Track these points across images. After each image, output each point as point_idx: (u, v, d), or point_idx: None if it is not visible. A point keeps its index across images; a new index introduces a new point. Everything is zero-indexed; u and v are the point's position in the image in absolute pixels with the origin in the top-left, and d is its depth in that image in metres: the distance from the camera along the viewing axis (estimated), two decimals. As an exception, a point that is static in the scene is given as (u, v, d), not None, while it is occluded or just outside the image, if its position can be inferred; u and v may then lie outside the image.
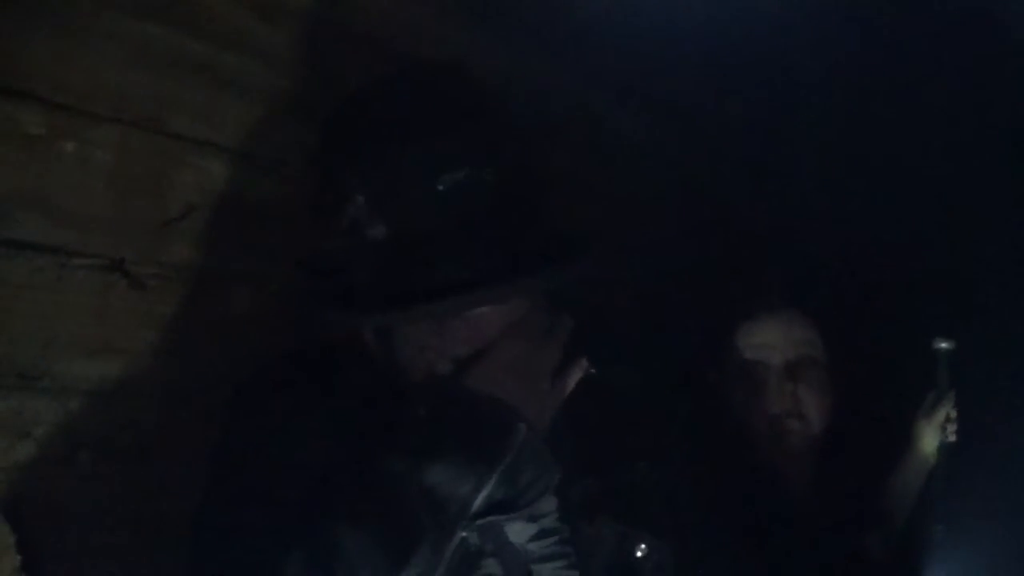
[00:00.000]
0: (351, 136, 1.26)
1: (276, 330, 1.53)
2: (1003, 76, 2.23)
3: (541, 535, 1.39)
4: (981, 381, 1.98)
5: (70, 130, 1.32)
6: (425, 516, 1.13)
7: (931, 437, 1.90)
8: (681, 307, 2.17)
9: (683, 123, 2.29)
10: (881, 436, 2.05)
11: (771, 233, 2.42)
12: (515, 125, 1.31)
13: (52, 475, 1.33)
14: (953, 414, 1.89)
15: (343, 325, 1.30)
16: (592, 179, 2.10)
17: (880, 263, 2.53)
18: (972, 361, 1.92)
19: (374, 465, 1.15)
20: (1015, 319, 2.25)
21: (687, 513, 1.49)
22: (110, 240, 1.37)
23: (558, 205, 1.39)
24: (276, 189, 1.55)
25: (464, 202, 1.18)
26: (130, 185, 1.38)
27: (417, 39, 1.76)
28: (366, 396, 1.28)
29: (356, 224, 1.21)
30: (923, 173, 2.49)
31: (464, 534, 1.18)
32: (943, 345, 1.89)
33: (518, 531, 1.38)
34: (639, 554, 1.41)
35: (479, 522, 1.20)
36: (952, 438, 1.89)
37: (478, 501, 1.16)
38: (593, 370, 1.53)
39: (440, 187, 1.18)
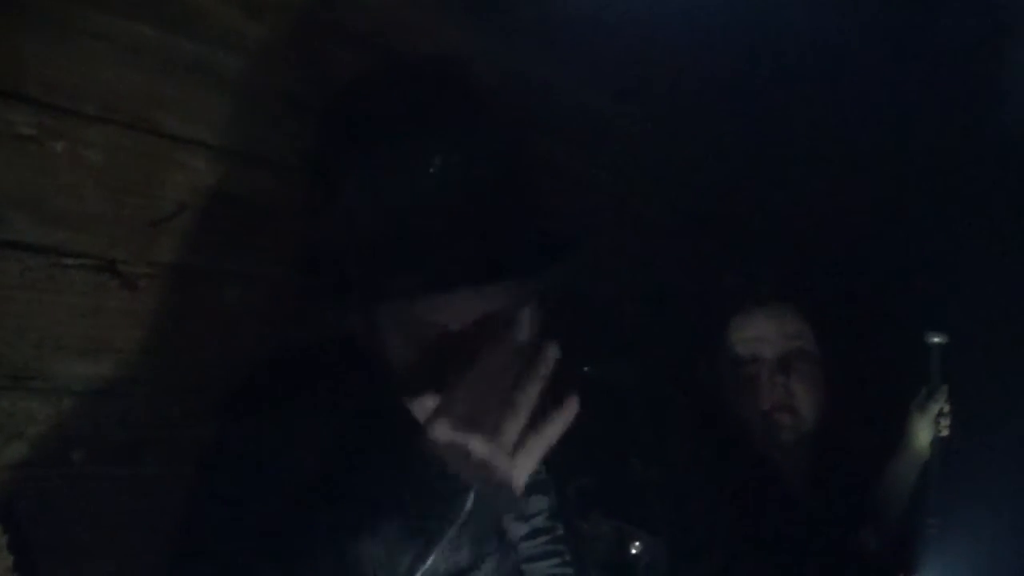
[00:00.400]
0: (342, 129, 1.26)
1: (267, 329, 1.54)
2: (999, 69, 2.24)
3: (532, 534, 1.39)
4: (974, 375, 1.98)
5: (61, 130, 1.32)
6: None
7: (924, 431, 1.90)
8: (675, 302, 2.17)
9: (678, 119, 2.29)
10: (874, 431, 2.05)
11: (764, 227, 2.42)
12: (508, 119, 1.31)
13: (44, 475, 1.33)
14: (946, 408, 1.89)
15: (333, 319, 1.32)
16: (589, 175, 2.10)
17: (873, 257, 2.54)
18: (965, 355, 1.92)
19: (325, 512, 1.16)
20: (1008, 313, 2.25)
21: (682, 509, 1.48)
22: (101, 240, 1.37)
23: (553, 200, 1.40)
24: (267, 188, 1.55)
25: (453, 194, 1.19)
26: (121, 185, 1.38)
27: (411, 36, 1.76)
28: (345, 418, 1.29)
29: (346, 216, 1.21)
30: (917, 167, 2.49)
31: None
32: (935, 339, 1.89)
33: (509, 530, 1.38)
34: (634, 551, 1.41)
35: None
36: (945, 432, 1.89)
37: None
38: (587, 368, 1.54)
39: (428, 179, 1.19)
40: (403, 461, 1.22)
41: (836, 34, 2.17)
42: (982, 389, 2.04)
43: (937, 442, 1.89)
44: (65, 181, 1.33)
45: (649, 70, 2.15)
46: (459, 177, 1.20)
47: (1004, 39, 2.13)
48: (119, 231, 1.38)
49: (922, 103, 2.34)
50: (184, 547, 1.19)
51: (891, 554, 1.92)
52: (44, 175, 1.31)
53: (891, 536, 1.95)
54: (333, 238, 1.23)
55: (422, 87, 1.28)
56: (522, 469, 1.15)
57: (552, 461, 1.41)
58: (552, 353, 1.18)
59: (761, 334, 1.97)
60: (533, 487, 1.41)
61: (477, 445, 1.11)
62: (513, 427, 1.13)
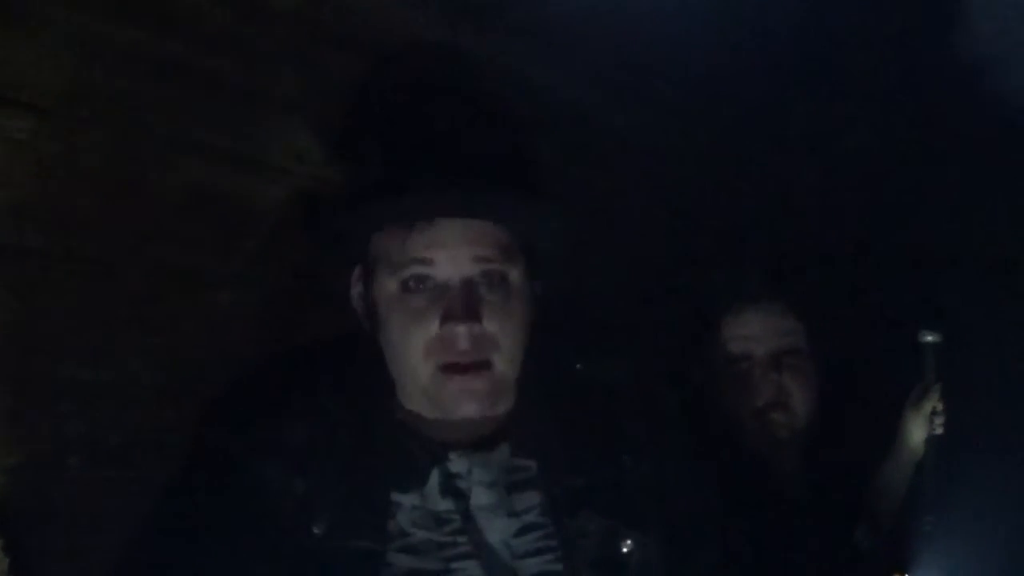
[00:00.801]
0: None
1: (263, 332, 1.54)
2: (996, 68, 2.24)
3: (523, 531, 1.40)
4: (969, 374, 1.99)
5: (56, 133, 1.31)
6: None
7: (918, 430, 1.90)
8: (666, 301, 2.18)
9: (670, 117, 2.29)
10: (868, 429, 2.06)
11: (756, 225, 2.43)
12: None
13: (41, 478, 1.34)
14: (940, 407, 1.89)
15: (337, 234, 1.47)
16: (579, 173, 2.10)
17: (866, 256, 2.54)
18: (959, 354, 1.92)
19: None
20: (1002, 310, 2.26)
21: (674, 507, 1.49)
22: (96, 243, 1.37)
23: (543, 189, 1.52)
24: (261, 191, 1.55)
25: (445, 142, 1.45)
26: (115, 187, 1.38)
27: (402, 38, 1.76)
28: (331, 421, 1.40)
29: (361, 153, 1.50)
30: (909, 165, 2.49)
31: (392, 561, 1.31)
32: (929, 338, 1.90)
33: (500, 528, 1.39)
34: (625, 549, 1.41)
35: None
36: (939, 431, 1.89)
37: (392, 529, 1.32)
38: (579, 366, 1.55)
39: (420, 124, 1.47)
40: (378, 430, 1.40)
41: (829, 30, 2.17)
42: (977, 388, 2.05)
43: (931, 440, 1.89)
44: (59, 184, 1.33)
45: (641, 68, 2.14)
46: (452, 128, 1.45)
47: (1003, 38, 2.14)
48: (112, 235, 1.39)
49: (920, 101, 2.34)
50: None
51: (885, 552, 1.93)
52: (37, 177, 1.30)
53: (885, 534, 1.95)
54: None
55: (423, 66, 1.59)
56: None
57: (543, 458, 1.42)
58: None
59: (752, 332, 1.97)
60: (524, 483, 1.42)
61: None
62: None
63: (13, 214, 1.29)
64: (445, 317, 1.36)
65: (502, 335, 1.39)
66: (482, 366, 1.38)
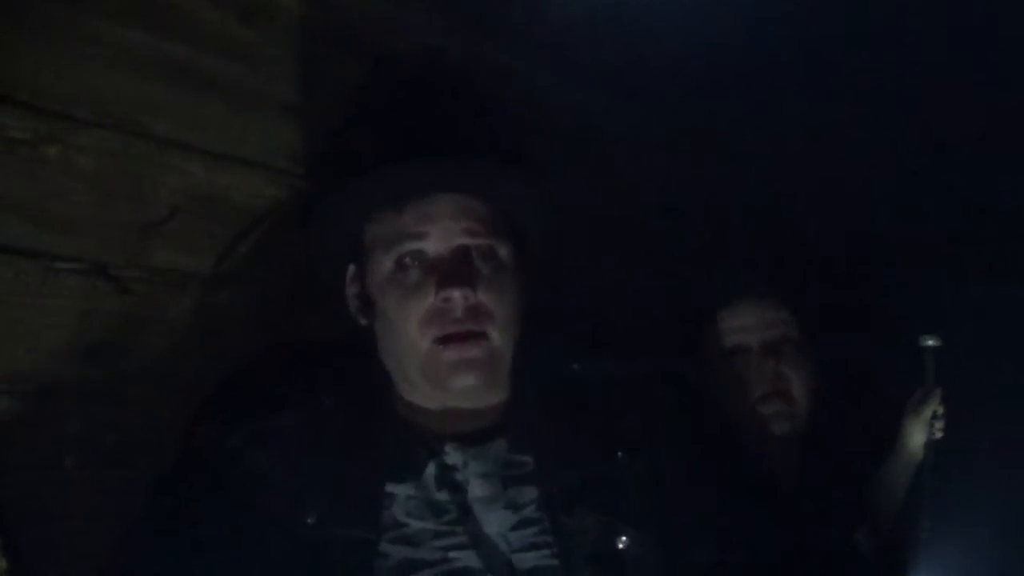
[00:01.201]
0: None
1: (259, 333, 1.54)
2: (997, 68, 2.24)
3: (521, 524, 1.40)
4: (969, 378, 1.98)
5: (53, 134, 1.32)
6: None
7: (918, 434, 1.90)
8: (661, 298, 2.18)
9: (667, 116, 2.29)
10: (868, 433, 2.05)
11: (755, 226, 2.43)
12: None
13: (38, 478, 1.33)
14: (940, 411, 1.88)
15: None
16: (576, 171, 2.10)
17: (866, 260, 2.54)
18: (960, 358, 1.92)
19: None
20: (1002, 315, 2.26)
21: (670, 504, 1.49)
22: (93, 244, 1.37)
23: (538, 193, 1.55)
24: (259, 192, 1.56)
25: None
26: (113, 189, 1.39)
27: (402, 39, 1.76)
28: (321, 418, 1.41)
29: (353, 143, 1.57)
30: (909, 168, 2.49)
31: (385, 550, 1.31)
32: (930, 342, 1.89)
33: (497, 521, 1.39)
34: (621, 545, 1.41)
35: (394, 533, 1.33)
36: (939, 435, 1.88)
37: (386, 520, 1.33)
38: (575, 365, 1.56)
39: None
40: (374, 422, 1.42)
41: (828, 27, 2.17)
42: (977, 392, 2.04)
43: (930, 444, 1.89)
44: (57, 185, 1.33)
45: (638, 69, 2.15)
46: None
47: (1003, 39, 2.13)
48: (111, 235, 1.39)
49: (919, 100, 2.34)
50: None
51: (883, 556, 1.93)
52: (37, 179, 1.31)
53: (884, 538, 1.95)
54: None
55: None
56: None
57: (540, 454, 1.42)
58: None
59: (744, 323, 1.98)
60: (521, 478, 1.42)
61: None
62: None
63: (11, 214, 1.29)
64: (440, 284, 1.38)
65: (496, 306, 1.41)
66: (478, 336, 1.40)
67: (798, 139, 2.38)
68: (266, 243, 1.55)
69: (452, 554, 1.35)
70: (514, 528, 1.40)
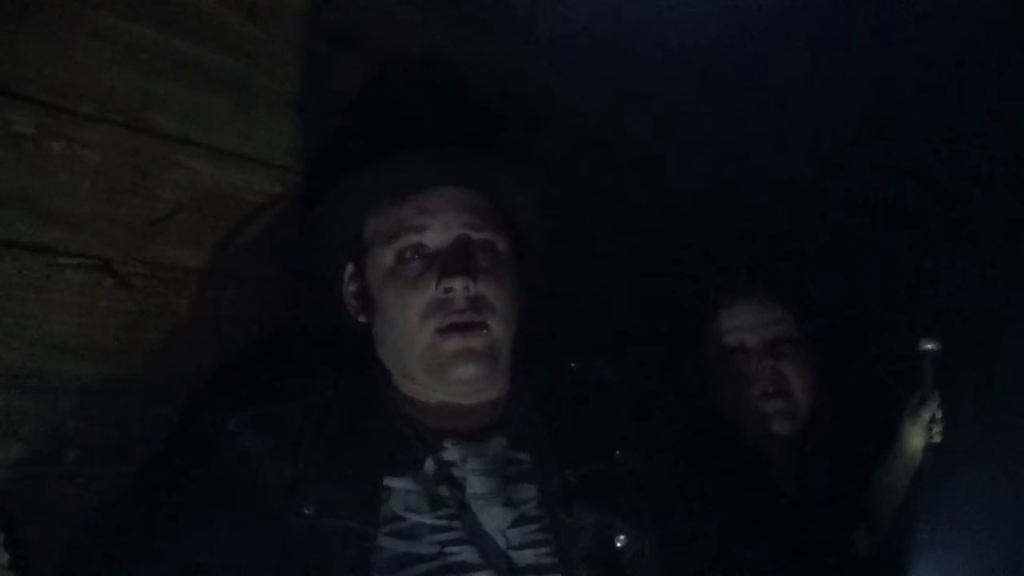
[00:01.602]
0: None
1: (262, 330, 1.54)
2: (996, 72, 2.24)
3: (520, 522, 1.40)
4: (967, 382, 1.98)
5: (58, 130, 1.33)
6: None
7: (916, 437, 1.90)
8: (661, 299, 2.18)
9: (667, 119, 2.30)
10: (866, 436, 2.06)
11: (755, 229, 2.43)
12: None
13: (39, 473, 1.33)
14: (938, 415, 1.89)
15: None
16: (575, 170, 2.11)
17: (865, 264, 2.54)
18: (958, 362, 1.92)
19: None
20: (1001, 318, 2.26)
21: (668, 503, 1.49)
22: (97, 239, 1.37)
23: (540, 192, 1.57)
24: (263, 188, 1.56)
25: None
26: (117, 184, 1.39)
27: (403, 37, 1.76)
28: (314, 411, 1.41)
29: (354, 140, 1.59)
30: (909, 170, 2.49)
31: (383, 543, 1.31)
32: (928, 346, 1.90)
33: (495, 517, 1.39)
34: (619, 544, 1.42)
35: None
36: (937, 439, 1.89)
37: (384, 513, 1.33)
38: (573, 364, 1.57)
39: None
40: (373, 416, 1.42)
41: (825, 32, 2.17)
42: (975, 396, 2.04)
43: (929, 448, 1.89)
44: (62, 181, 1.34)
45: (640, 71, 2.15)
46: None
47: (1004, 41, 2.14)
48: (115, 231, 1.39)
49: (920, 104, 2.34)
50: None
51: (882, 559, 1.93)
52: (41, 174, 1.32)
53: (881, 540, 1.96)
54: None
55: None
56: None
57: (538, 452, 1.43)
58: None
59: (744, 323, 1.99)
60: (520, 476, 1.42)
61: None
62: None
63: (16, 209, 1.29)
64: (442, 275, 1.40)
65: (496, 298, 1.43)
66: (480, 326, 1.41)
67: (797, 139, 2.38)
68: (269, 240, 1.56)
69: (449, 548, 1.35)
70: (513, 525, 1.40)
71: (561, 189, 1.98)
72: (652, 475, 1.50)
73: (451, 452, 1.42)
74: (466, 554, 1.35)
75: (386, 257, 1.44)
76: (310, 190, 1.58)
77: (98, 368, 1.38)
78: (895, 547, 1.91)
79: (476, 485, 1.40)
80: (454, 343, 1.40)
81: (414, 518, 1.36)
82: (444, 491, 1.38)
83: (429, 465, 1.40)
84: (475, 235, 1.45)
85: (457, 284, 1.39)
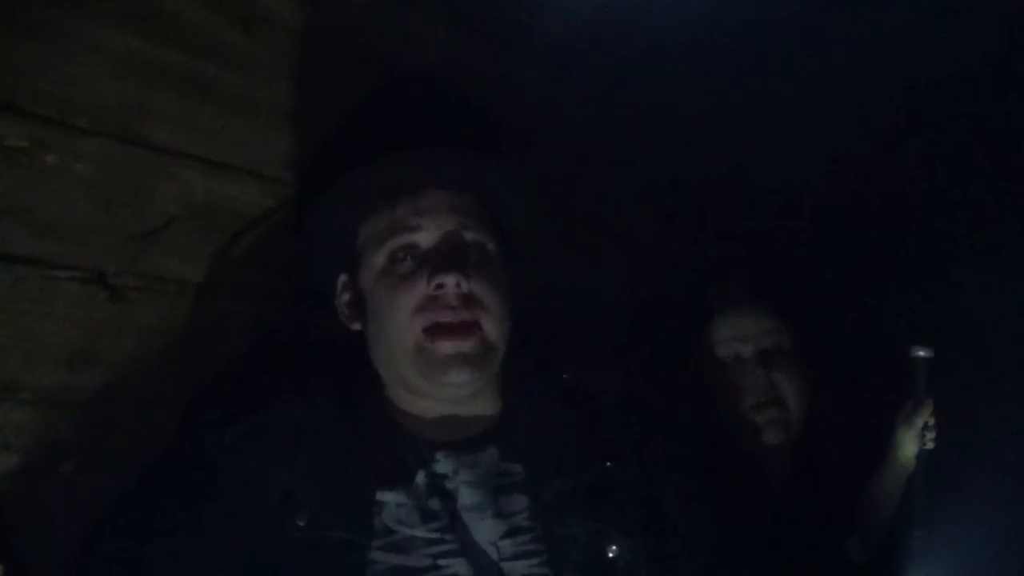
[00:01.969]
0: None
1: (256, 340, 1.55)
2: (994, 81, 2.24)
3: (512, 533, 1.40)
4: (960, 389, 1.99)
5: (52, 142, 1.33)
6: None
7: (910, 444, 1.91)
8: (656, 311, 2.19)
9: (663, 129, 2.30)
10: (860, 443, 2.06)
11: (749, 238, 2.44)
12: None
13: (35, 484, 1.34)
14: (931, 421, 1.90)
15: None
16: (570, 179, 2.11)
17: (858, 270, 2.55)
18: (951, 368, 1.93)
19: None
20: (994, 326, 2.26)
21: (660, 513, 1.49)
22: (91, 251, 1.38)
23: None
24: (256, 199, 1.57)
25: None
26: (111, 196, 1.39)
27: (401, 48, 1.77)
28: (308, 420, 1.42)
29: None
30: (902, 179, 2.50)
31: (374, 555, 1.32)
32: (921, 353, 1.90)
33: (487, 529, 1.39)
34: (611, 554, 1.42)
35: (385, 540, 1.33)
36: (930, 445, 1.89)
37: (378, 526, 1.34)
38: (566, 374, 1.57)
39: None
40: (366, 428, 1.42)
41: (824, 38, 2.17)
42: (969, 403, 2.05)
43: (922, 455, 1.90)
44: (56, 193, 1.34)
45: (637, 82, 2.16)
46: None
47: (1005, 45, 2.14)
48: (109, 242, 1.40)
49: (915, 112, 2.35)
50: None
51: (875, 566, 1.94)
52: (35, 187, 1.32)
53: (875, 548, 1.96)
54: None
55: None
56: None
57: (530, 463, 1.43)
58: None
59: (738, 333, 2.00)
60: (512, 487, 1.43)
61: None
62: None
63: (10, 221, 1.30)
64: (433, 272, 1.40)
65: (488, 298, 1.43)
66: (472, 327, 1.41)
67: (792, 144, 2.39)
68: (263, 251, 1.56)
69: (442, 561, 1.36)
70: (504, 536, 1.40)
71: (556, 195, 1.99)
72: (645, 485, 1.50)
73: (443, 464, 1.43)
74: (458, 566, 1.36)
75: (379, 258, 1.45)
76: (303, 198, 1.58)
77: (92, 379, 1.39)
78: (889, 554, 1.91)
79: (468, 497, 1.41)
80: (446, 347, 1.40)
81: (406, 531, 1.36)
82: (436, 504, 1.39)
83: (421, 478, 1.41)
84: (467, 235, 1.46)
85: (449, 280, 1.39)
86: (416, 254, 1.44)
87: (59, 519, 1.36)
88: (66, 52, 1.34)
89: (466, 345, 1.41)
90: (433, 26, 1.82)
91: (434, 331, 1.40)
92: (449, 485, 1.41)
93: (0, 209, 1.29)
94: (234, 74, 1.53)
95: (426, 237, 1.45)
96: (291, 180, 1.60)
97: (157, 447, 1.42)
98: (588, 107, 2.16)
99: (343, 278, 1.53)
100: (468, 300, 1.41)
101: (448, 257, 1.42)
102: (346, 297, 1.52)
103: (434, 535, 1.37)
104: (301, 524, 1.33)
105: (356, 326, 1.52)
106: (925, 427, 1.89)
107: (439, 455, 1.43)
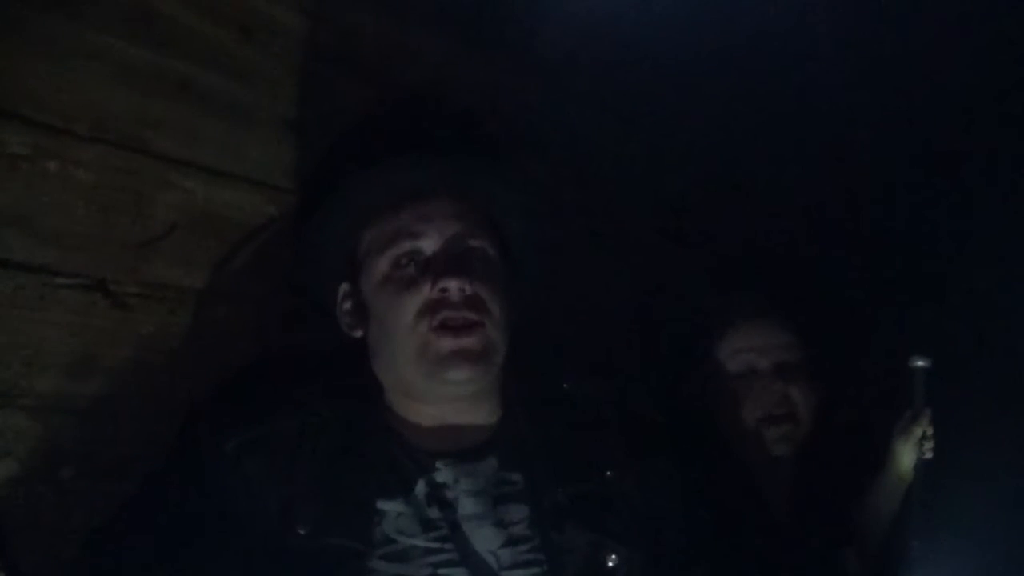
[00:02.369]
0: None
1: (256, 348, 1.55)
2: (992, 83, 2.25)
3: (511, 542, 1.40)
4: (958, 399, 1.99)
5: (53, 150, 1.33)
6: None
7: (908, 454, 1.91)
8: (658, 322, 2.19)
9: (665, 141, 2.31)
10: (858, 453, 2.06)
11: (749, 250, 2.44)
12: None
13: (35, 491, 1.34)
14: (929, 431, 1.90)
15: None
16: (571, 193, 2.12)
17: (857, 280, 2.55)
18: (949, 379, 1.93)
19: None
20: (991, 336, 2.27)
21: (660, 523, 1.49)
22: (92, 259, 1.38)
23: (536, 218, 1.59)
24: (257, 208, 1.57)
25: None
26: (112, 204, 1.39)
27: (400, 59, 1.78)
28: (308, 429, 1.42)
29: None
30: (902, 188, 2.51)
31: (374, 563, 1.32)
32: (919, 363, 1.90)
33: (487, 538, 1.39)
34: (610, 564, 1.42)
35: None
36: (928, 455, 1.89)
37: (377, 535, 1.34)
38: (566, 384, 1.57)
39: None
40: (366, 437, 1.42)
41: (828, 47, 2.18)
42: (965, 412, 2.05)
43: (920, 465, 1.90)
44: (57, 200, 1.34)
45: (636, 93, 2.16)
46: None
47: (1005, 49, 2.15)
48: (109, 250, 1.40)
49: (912, 115, 2.36)
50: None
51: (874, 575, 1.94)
52: (36, 194, 1.32)
53: (873, 559, 1.96)
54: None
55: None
56: None
57: (530, 472, 1.43)
58: None
59: (755, 344, 1.99)
60: (511, 496, 1.43)
61: None
62: None
63: (10, 228, 1.30)
64: (438, 276, 1.41)
65: (491, 302, 1.44)
66: (475, 326, 1.41)
67: (792, 159, 2.39)
68: (263, 259, 1.56)
69: (442, 571, 1.36)
70: (504, 545, 1.40)
71: (556, 204, 1.99)
72: (645, 495, 1.50)
73: (443, 473, 1.43)
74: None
75: (382, 265, 1.46)
76: (304, 206, 1.59)
77: (92, 387, 1.39)
78: (887, 564, 1.91)
79: (467, 506, 1.41)
80: (449, 343, 1.40)
81: (406, 541, 1.36)
82: (435, 513, 1.39)
83: (420, 487, 1.41)
84: (470, 241, 1.47)
85: (453, 284, 1.40)
86: (419, 260, 1.45)
87: (58, 526, 1.36)
88: (67, 60, 1.34)
89: (469, 341, 1.41)
90: (433, 37, 1.82)
91: (439, 330, 1.41)
92: (449, 494, 1.41)
93: (1, 216, 1.29)
94: (235, 83, 1.53)
95: (429, 243, 1.45)
96: (292, 188, 1.60)
97: (157, 454, 1.41)
98: (588, 118, 2.16)
99: (345, 286, 1.53)
100: (472, 302, 1.42)
101: (452, 262, 1.43)
102: (347, 305, 1.53)
103: (434, 544, 1.37)
104: (302, 532, 1.33)
105: (358, 333, 1.52)
106: (923, 437, 1.89)
107: (439, 464, 1.43)
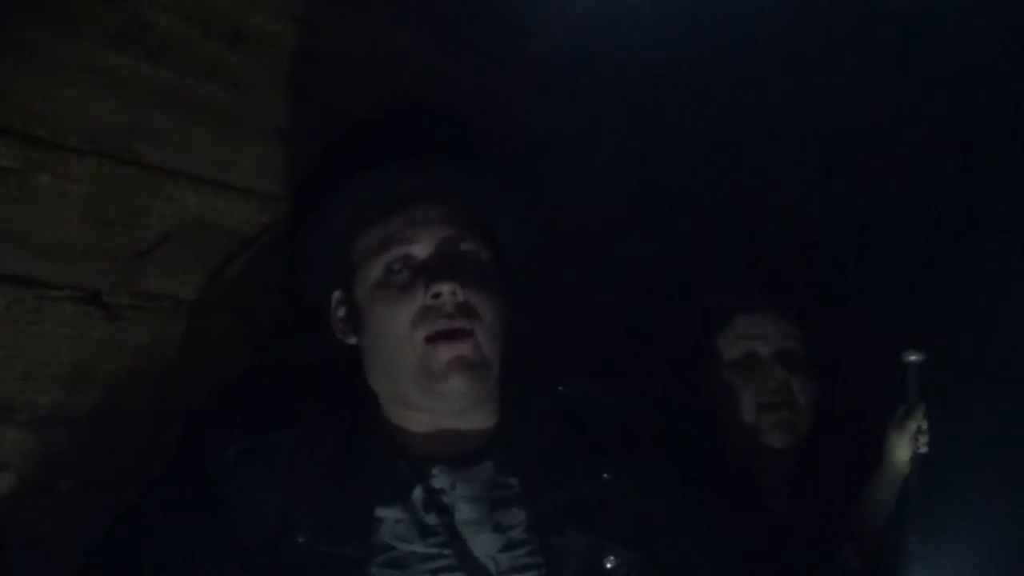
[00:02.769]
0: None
1: (252, 358, 1.55)
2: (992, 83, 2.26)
3: (509, 546, 1.40)
4: (952, 392, 2.00)
5: (45, 162, 1.33)
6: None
7: (903, 449, 1.91)
8: (651, 318, 2.19)
9: (659, 138, 2.31)
10: (854, 448, 2.07)
11: (745, 249, 2.44)
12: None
13: (32, 505, 1.34)
14: (924, 425, 1.90)
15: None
16: (568, 196, 2.12)
17: (851, 275, 2.56)
18: (944, 372, 1.93)
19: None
20: (987, 329, 2.27)
21: (658, 524, 1.50)
22: (86, 271, 1.38)
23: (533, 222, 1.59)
24: (251, 218, 1.57)
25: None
26: (105, 216, 1.40)
27: (392, 65, 1.78)
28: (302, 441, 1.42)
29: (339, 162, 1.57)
30: (896, 186, 2.51)
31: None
32: (913, 357, 1.91)
33: (485, 543, 1.40)
34: (609, 565, 1.42)
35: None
36: (924, 449, 1.90)
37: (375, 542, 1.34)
38: (561, 387, 1.57)
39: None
40: (362, 444, 1.43)
41: (817, 45, 2.19)
42: (961, 407, 2.06)
43: (916, 459, 1.90)
44: (49, 213, 1.34)
45: (628, 96, 2.17)
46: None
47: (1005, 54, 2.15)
48: (104, 262, 1.40)
49: (910, 112, 2.36)
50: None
51: (872, 571, 1.94)
52: (29, 207, 1.32)
53: (871, 554, 1.96)
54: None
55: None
56: None
57: (526, 476, 1.44)
58: None
59: (757, 332, 1.99)
60: (508, 500, 1.43)
61: None
62: None
63: (4, 242, 1.30)
64: (430, 280, 1.41)
65: (483, 309, 1.44)
66: (468, 333, 1.41)
67: (785, 159, 2.40)
68: (258, 268, 1.56)
69: None
70: (502, 550, 1.40)
71: (547, 208, 1.99)
72: (642, 496, 1.50)
73: (439, 479, 1.43)
74: None
75: (374, 270, 1.46)
76: (296, 214, 1.59)
77: (89, 398, 1.39)
78: (885, 559, 1.92)
79: (465, 511, 1.41)
80: (444, 352, 1.40)
81: (405, 547, 1.37)
82: (433, 519, 1.39)
83: (418, 493, 1.41)
84: (462, 245, 1.47)
85: (445, 288, 1.40)
86: (412, 265, 1.44)
87: (56, 538, 1.36)
88: (58, 72, 1.34)
89: (463, 348, 1.41)
90: (424, 42, 1.82)
91: (435, 339, 1.41)
92: (446, 500, 1.41)
93: (-5, 230, 1.29)
94: (226, 92, 1.53)
95: (421, 248, 1.45)
96: (284, 196, 1.60)
97: (154, 465, 1.41)
98: (579, 121, 2.17)
99: (338, 294, 1.53)
100: (464, 309, 1.42)
101: (444, 266, 1.43)
102: (341, 312, 1.53)
103: (432, 550, 1.37)
104: (301, 541, 1.33)
105: (352, 340, 1.52)
106: (918, 431, 1.90)
107: (435, 470, 1.43)
